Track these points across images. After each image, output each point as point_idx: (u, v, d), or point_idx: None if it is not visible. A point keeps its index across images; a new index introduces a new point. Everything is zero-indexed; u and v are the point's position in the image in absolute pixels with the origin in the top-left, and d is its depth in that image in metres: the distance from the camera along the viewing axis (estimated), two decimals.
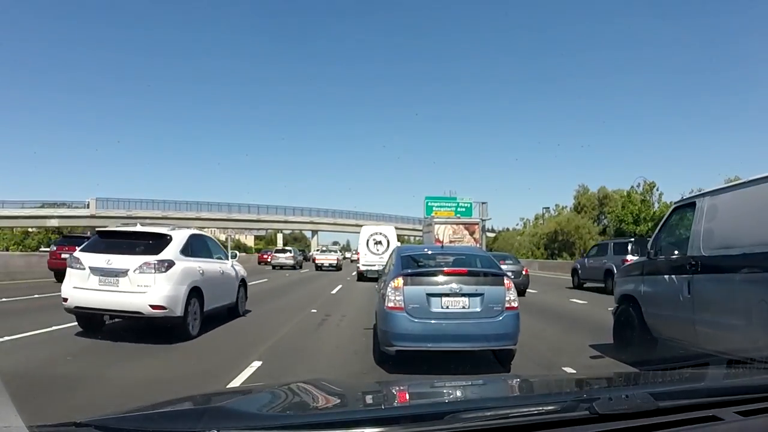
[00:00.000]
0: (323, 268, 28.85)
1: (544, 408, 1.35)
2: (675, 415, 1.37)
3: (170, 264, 6.54)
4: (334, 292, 15.42)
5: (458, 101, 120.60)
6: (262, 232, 79.51)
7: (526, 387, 2.10)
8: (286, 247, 40.34)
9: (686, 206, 5.67)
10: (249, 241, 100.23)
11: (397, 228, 23.57)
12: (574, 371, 5.15)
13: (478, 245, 22.66)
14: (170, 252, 6.70)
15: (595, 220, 53.97)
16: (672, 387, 1.74)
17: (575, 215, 52.42)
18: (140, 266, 6.37)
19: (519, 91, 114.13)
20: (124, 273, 6.34)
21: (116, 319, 7.07)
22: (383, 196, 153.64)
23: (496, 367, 5.63)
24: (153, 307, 6.30)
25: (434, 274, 5.50)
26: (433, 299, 5.21)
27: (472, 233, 23.81)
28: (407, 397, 1.85)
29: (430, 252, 6.89)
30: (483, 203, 36.55)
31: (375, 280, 13.22)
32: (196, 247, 7.54)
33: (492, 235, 56.38)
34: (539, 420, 1.29)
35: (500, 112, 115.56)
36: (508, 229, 64.27)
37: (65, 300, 6.56)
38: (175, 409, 1.47)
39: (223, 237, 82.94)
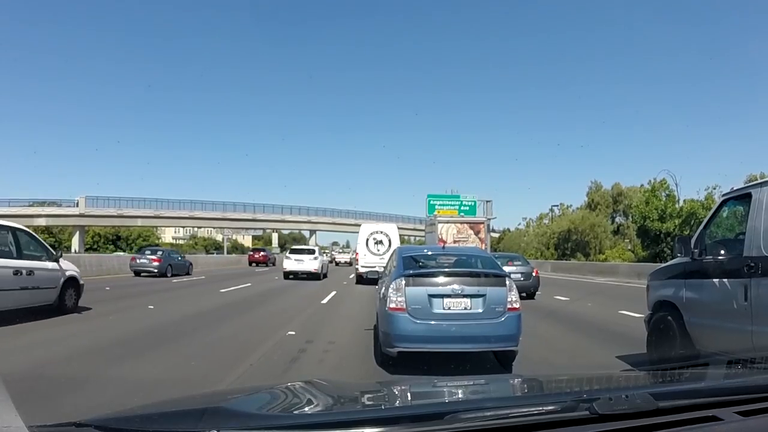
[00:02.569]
0: (339, 264, 43.04)
1: (544, 408, 1.38)
2: (675, 415, 1.40)
3: (318, 258, 23.02)
4: (325, 301, 13.46)
5: (458, 101, 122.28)
6: (259, 232, 79.43)
7: (526, 387, 2.14)
8: (327, 249, 62.52)
9: (739, 198, 5.06)
10: (246, 241, 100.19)
11: (397, 228, 23.29)
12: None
13: (484, 245, 22.49)
14: (317, 253, 23.38)
15: (607, 217, 52.69)
16: (672, 387, 1.79)
17: (590, 213, 50.83)
18: (310, 258, 22.65)
19: (518, 91, 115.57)
20: (305, 260, 22.53)
21: (299, 274, 22.08)
22: (383, 195, 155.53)
23: (497, 368, 5.77)
24: (314, 270, 22.31)
25: (436, 275, 5.64)
26: (435, 300, 5.33)
27: (477, 233, 23.52)
28: (407, 397, 1.90)
29: (431, 253, 7.11)
30: (488, 201, 36.49)
31: (375, 282, 12.95)
32: (320, 253, 24.59)
33: (495, 235, 56.07)
34: (539, 420, 1.32)
35: (500, 112, 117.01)
36: (508, 230, 64.11)
37: (285, 268, 22.61)
38: (175, 409, 1.51)
39: (219, 237, 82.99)
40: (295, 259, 22.41)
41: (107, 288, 15.58)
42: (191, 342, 7.22)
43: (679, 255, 5.40)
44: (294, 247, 28.46)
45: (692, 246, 5.18)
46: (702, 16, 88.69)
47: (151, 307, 11.21)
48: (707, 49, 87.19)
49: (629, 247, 44.60)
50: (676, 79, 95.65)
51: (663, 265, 6.67)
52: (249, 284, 18.56)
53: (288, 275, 22.06)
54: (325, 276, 23.66)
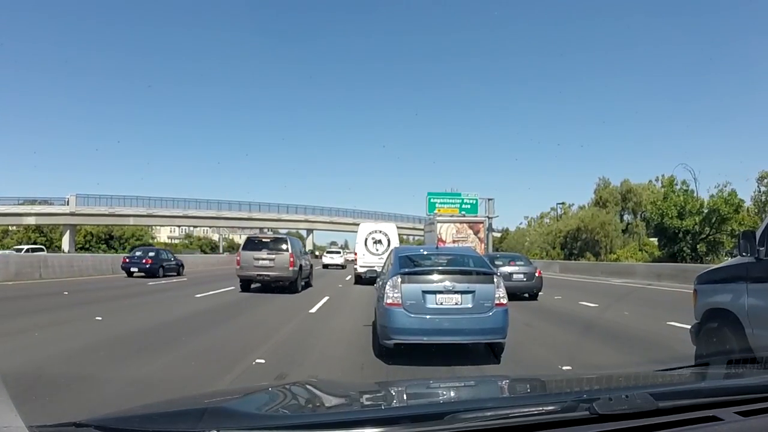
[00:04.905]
0: (348, 261, 49.75)
1: (544, 408, 1.42)
2: (675, 416, 1.43)
3: (342, 256, 40.99)
4: (314, 309, 11.40)
5: (458, 102, 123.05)
6: (256, 231, 79.38)
7: (526, 387, 2.18)
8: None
9: None
10: (243, 240, 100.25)
11: (396, 227, 23.33)
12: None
13: (483, 245, 22.78)
14: (342, 253, 42.46)
15: (616, 215, 51.33)
16: (672, 387, 1.82)
17: (599, 210, 49.57)
18: (338, 256, 40.65)
19: (518, 92, 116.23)
20: (335, 257, 40.28)
21: (330, 266, 38.26)
22: (383, 195, 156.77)
23: (486, 359, 6.21)
24: (341, 263, 38.97)
25: (429, 272, 6.19)
26: (429, 296, 5.88)
27: (476, 232, 23.89)
28: (407, 397, 1.94)
29: (426, 252, 7.82)
30: (489, 199, 36.32)
31: (372, 282, 12.80)
32: (344, 252, 44.99)
33: (498, 234, 55.96)
34: (539, 420, 1.36)
35: (500, 112, 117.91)
36: (508, 230, 64.14)
37: (324, 262, 39.39)
38: (175, 409, 1.54)
39: (216, 237, 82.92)
40: (329, 257, 39.45)
41: (65, 293, 13.95)
42: (116, 378, 5.25)
43: (744, 254, 4.72)
44: (328, 249, 47.57)
45: (757, 243, 4.52)
46: (700, 12, 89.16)
47: (99, 318, 9.29)
48: (706, 48, 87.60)
49: (639, 247, 43.83)
50: (675, 77, 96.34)
51: (716, 266, 5.96)
52: (232, 287, 16.22)
53: (325, 266, 36.15)
54: (344, 267, 35.35)
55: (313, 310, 11.35)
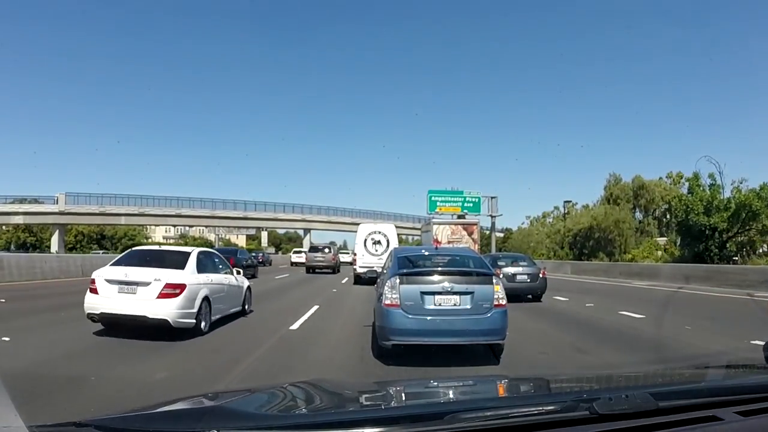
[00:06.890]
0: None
1: (544, 408, 1.46)
2: (675, 415, 1.47)
3: (350, 255, 30.38)
4: (295, 326, 8.95)
5: (458, 102, 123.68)
6: (252, 231, 79.28)
7: (526, 387, 2.22)
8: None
9: None
10: (240, 240, 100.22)
11: (395, 227, 23.65)
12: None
13: (477, 246, 24.03)
14: (350, 252, 34.25)
15: (629, 213, 49.98)
16: (672, 387, 1.86)
17: (612, 208, 47.87)
18: (346, 255, 39.38)
19: (518, 92, 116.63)
20: (345, 257, 39.33)
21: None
22: (382, 194, 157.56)
23: (482, 360, 6.24)
24: (350, 260, 27.29)
25: (428, 273, 6.29)
26: (427, 297, 5.96)
27: (470, 234, 25.34)
28: (407, 397, 1.98)
29: (426, 253, 7.84)
30: (493, 198, 36.28)
31: (372, 283, 12.74)
32: (352, 252, 27.51)
33: (500, 234, 55.81)
34: (539, 420, 1.40)
35: (500, 112, 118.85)
36: (510, 230, 64.22)
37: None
38: (175, 409, 1.57)
39: (212, 237, 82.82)
40: (340, 256, 42.10)
41: (2, 300, 11.36)
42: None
43: None
44: (342, 251, 52.23)
45: None
46: (701, 16, 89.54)
47: (6, 339, 7.10)
48: (706, 48, 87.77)
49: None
50: (675, 78, 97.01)
51: None
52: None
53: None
54: (351, 263, 39.94)
55: (295, 326, 8.84)
